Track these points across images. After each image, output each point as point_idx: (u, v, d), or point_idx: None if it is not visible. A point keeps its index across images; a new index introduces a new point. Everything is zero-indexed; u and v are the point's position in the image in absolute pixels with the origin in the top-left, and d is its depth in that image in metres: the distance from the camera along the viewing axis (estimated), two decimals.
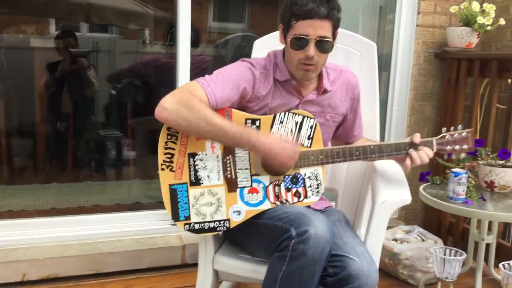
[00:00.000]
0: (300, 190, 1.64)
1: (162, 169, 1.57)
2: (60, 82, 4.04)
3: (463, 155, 1.75)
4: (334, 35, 1.60)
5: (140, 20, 4.88)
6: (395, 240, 2.59)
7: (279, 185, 1.62)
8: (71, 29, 4.68)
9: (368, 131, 2.07)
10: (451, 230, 2.93)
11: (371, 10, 3.10)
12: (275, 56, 1.71)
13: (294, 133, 1.63)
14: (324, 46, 1.57)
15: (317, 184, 1.65)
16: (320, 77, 1.72)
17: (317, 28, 1.53)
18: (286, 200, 1.63)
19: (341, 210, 1.86)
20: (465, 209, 2.02)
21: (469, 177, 2.24)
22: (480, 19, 2.64)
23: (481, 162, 2.26)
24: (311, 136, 1.64)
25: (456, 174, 2.07)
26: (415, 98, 2.98)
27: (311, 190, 1.64)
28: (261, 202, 1.61)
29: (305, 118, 1.64)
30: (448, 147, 1.72)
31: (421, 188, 2.30)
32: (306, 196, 1.64)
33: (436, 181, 2.36)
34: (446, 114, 2.91)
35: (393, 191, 1.74)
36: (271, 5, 2.80)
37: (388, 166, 1.87)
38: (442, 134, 1.73)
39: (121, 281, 2.42)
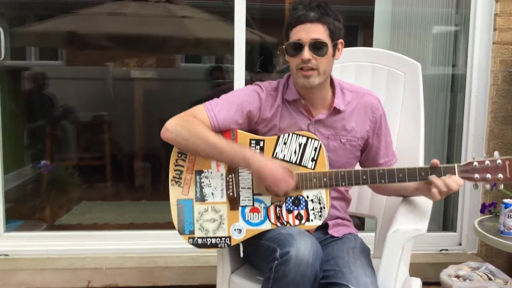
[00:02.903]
0: (302, 212, 1.60)
1: (172, 185, 1.66)
2: None
3: (501, 187, 1.55)
4: (333, 41, 1.59)
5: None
6: (458, 277, 2.36)
7: (280, 206, 1.61)
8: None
9: (410, 156, 1.95)
10: None
11: (445, 31, 2.91)
12: (288, 77, 1.73)
13: (298, 155, 1.61)
14: (319, 48, 1.56)
15: (320, 208, 1.60)
16: (332, 95, 1.69)
17: (310, 31, 1.55)
18: (287, 222, 1.61)
19: (359, 238, 1.77)
20: None
21: None
22: None
23: None
24: (315, 158, 1.61)
25: (507, 206, 1.86)
26: (494, 122, 2.71)
27: (313, 213, 1.60)
28: (262, 222, 1.62)
29: (309, 140, 1.61)
30: (476, 176, 1.54)
31: (477, 220, 2.09)
32: (308, 219, 1.60)
33: (498, 213, 2.12)
34: None
35: (410, 220, 1.62)
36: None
37: None
38: (468, 161, 1.57)
39: None
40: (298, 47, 1.57)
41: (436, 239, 2.87)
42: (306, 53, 1.56)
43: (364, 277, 1.50)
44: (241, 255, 1.86)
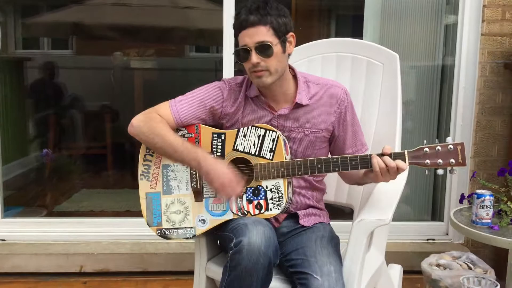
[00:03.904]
0: (262, 202, 1.65)
1: (141, 179, 1.74)
2: None
3: (456, 170, 1.56)
4: (280, 37, 1.61)
5: None
6: (438, 265, 2.40)
7: (241, 197, 1.66)
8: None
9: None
10: None
11: (436, 23, 2.92)
12: None
13: (257, 146, 1.66)
14: (264, 50, 1.59)
15: (279, 197, 1.64)
16: (295, 89, 1.73)
17: (253, 35, 1.58)
18: (248, 212, 1.66)
19: (329, 227, 1.80)
20: (483, 235, 1.82)
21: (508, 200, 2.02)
22: None
23: None
24: (273, 149, 1.65)
25: (479, 196, 1.88)
26: (481, 113, 2.73)
27: (272, 202, 1.64)
28: (224, 213, 1.67)
29: (268, 132, 1.65)
30: (427, 161, 1.53)
31: (454, 209, 2.12)
32: (267, 209, 1.64)
33: None
34: None
35: (375, 210, 1.66)
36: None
37: (388, 185, 1.78)
38: (419, 147, 1.56)
39: (162, 281, 2.63)
40: (245, 52, 1.61)
41: (423, 229, 2.91)
42: (254, 57, 1.60)
43: (329, 266, 1.54)
44: (218, 243, 1.93)
